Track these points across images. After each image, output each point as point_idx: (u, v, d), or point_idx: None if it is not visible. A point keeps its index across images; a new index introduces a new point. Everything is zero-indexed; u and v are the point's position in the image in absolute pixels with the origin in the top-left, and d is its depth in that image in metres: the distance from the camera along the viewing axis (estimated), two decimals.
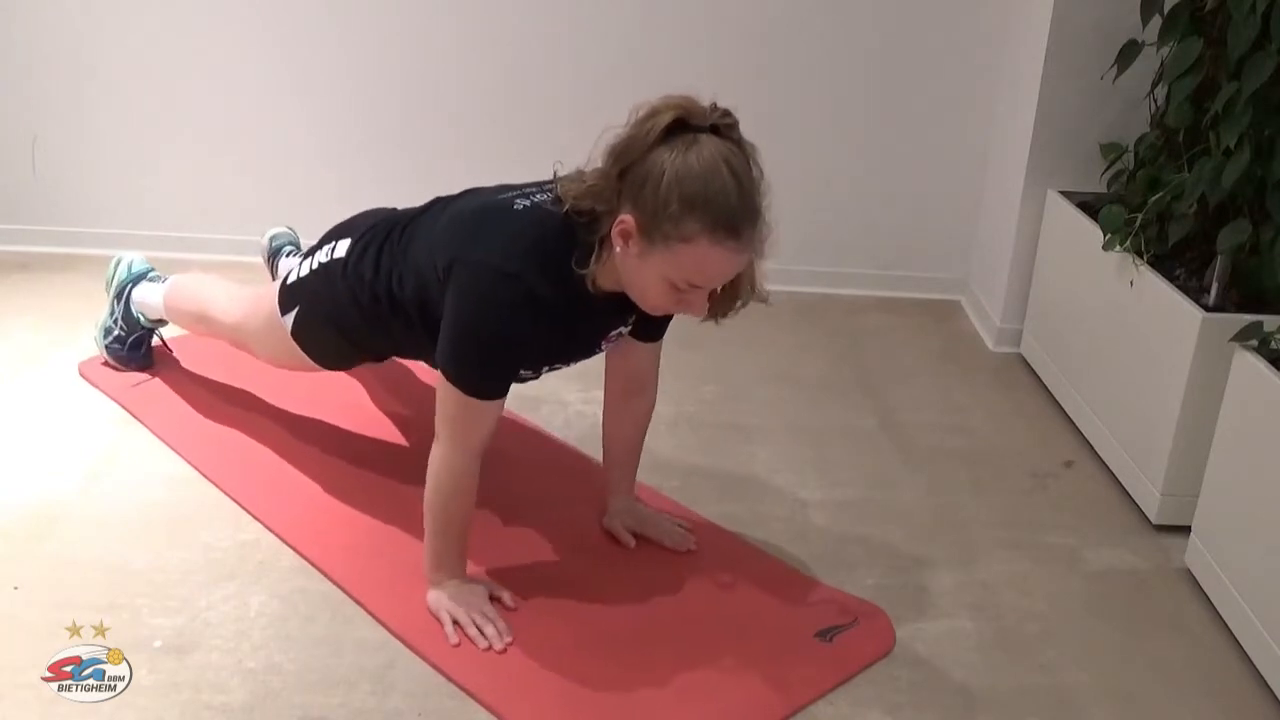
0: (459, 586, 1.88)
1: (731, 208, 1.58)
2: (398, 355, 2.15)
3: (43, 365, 2.62)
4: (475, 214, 1.81)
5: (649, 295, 1.70)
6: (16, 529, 2.05)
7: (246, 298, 2.26)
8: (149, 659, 1.76)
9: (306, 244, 2.76)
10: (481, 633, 1.82)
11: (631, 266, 1.67)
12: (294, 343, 2.09)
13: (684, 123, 1.61)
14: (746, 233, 1.61)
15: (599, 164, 1.68)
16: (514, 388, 1.84)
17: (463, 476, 1.81)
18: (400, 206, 2.06)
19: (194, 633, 1.82)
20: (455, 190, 1.96)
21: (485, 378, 1.76)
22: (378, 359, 2.19)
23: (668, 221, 1.59)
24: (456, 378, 1.74)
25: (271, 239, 2.76)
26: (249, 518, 2.11)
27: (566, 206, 1.70)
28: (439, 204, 1.95)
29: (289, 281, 2.09)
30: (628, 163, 1.63)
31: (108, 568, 1.96)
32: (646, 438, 2.10)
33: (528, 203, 1.78)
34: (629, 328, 1.91)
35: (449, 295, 1.74)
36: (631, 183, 1.63)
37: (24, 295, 2.99)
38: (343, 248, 2.00)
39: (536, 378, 1.94)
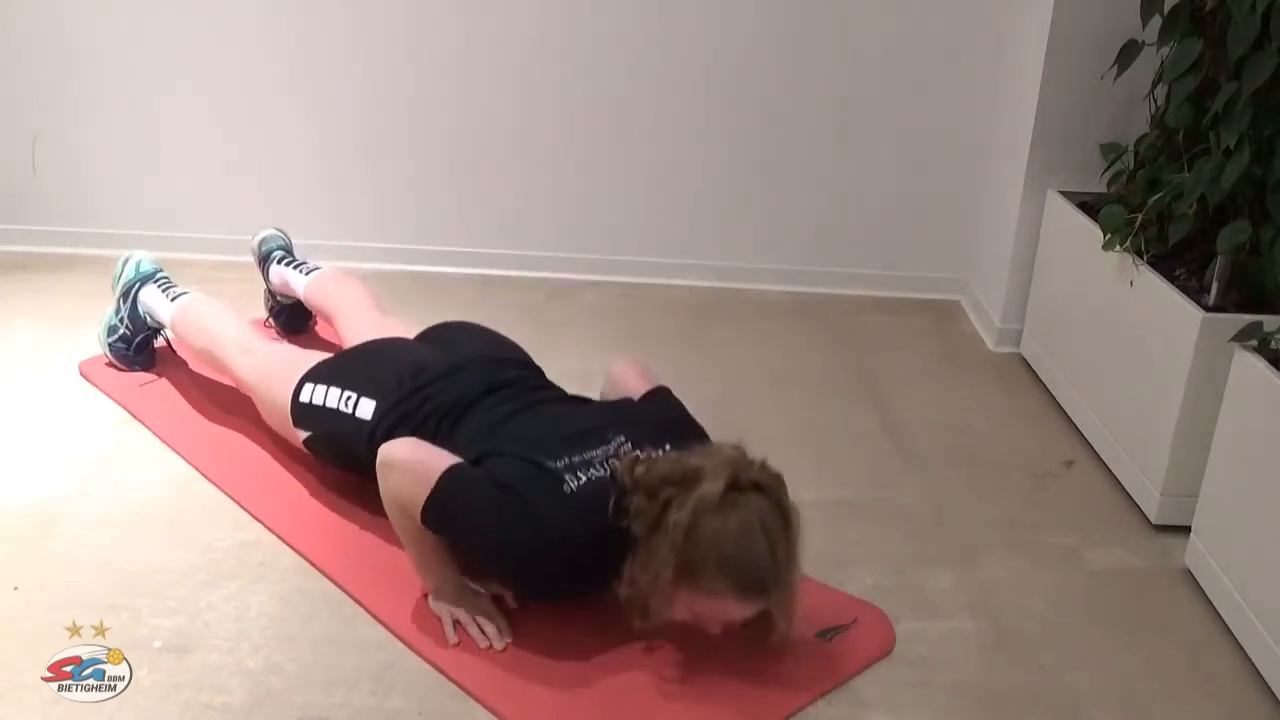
0: (459, 586, 1.88)
1: (762, 572, 1.68)
2: None
3: (43, 365, 2.62)
4: (542, 494, 1.76)
5: (669, 612, 1.75)
6: (16, 529, 2.05)
7: (259, 360, 2.22)
8: (149, 659, 1.76)
9: (298, 245, 2.77)
10: (482, 632, 1.82)
11: (661, 588, 1.71)
12: (304, 448, 2.12)
13: (733, 481, 1.68)
14: (773, 590, 1.70)
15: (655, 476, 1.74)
16: None
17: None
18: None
19: (194, 633, 1.82)
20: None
21: (444, 523, 1.79)
22: None
23: (702, 577, 1.67)
24: (431, 503, 1.75)
25: (261, 243, 2.71)
26: (249, 518, 2.11)
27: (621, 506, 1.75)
28: (477, 404, 1.95)
29: (302, 400, 2.07)
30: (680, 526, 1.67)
31: (108, 568, 1.96)
32: None
33: (589, 477, 1.79)
34: None
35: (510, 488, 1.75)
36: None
37: (24, 295, 2.99)
38: (366, 409, 2.00)
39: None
